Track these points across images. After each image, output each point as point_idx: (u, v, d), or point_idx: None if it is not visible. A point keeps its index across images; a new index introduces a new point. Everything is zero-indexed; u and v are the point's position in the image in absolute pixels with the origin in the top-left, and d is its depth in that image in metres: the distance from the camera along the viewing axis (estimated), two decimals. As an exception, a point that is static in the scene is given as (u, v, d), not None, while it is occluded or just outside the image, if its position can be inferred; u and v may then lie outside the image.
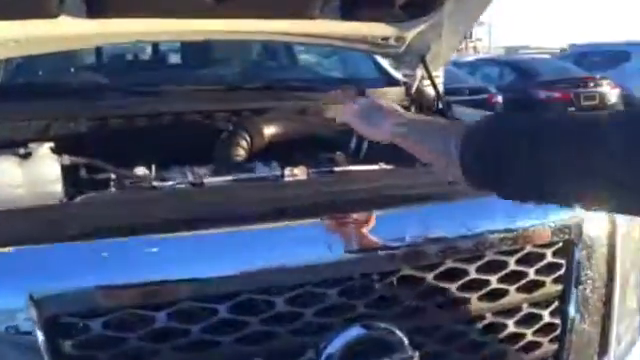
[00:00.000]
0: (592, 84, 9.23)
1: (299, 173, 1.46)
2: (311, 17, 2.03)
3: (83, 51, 2.44)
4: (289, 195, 1.35)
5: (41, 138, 1.80)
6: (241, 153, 1.86)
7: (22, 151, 1.70)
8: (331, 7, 2.04)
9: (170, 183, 1.48)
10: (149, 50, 2.62)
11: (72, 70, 2.28)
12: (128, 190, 1.53)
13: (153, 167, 1.75)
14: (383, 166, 1.67)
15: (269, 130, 1.93)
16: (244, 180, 1.49)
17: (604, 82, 9.33)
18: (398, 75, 2.61)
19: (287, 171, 1.45)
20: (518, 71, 9.69)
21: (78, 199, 1.54)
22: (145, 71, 2.35)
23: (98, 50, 2.49)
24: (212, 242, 1.20)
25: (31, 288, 1.10)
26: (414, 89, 2.49)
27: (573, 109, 9.04)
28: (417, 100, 2.38)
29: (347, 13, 2.07)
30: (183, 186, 1.48)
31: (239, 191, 1.42)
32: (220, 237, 1.19)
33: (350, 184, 1.47)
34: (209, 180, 1.47)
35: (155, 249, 1.17)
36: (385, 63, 2.67)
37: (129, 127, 1.96)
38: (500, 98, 8.52)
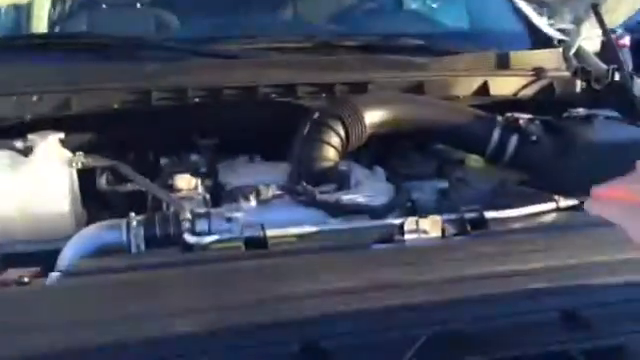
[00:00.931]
0: None
1: (429, 228, 0.83)
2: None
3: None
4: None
5: (50, 119, 1.27)
6: (330, 156, 1.25)
7: (19, 144, 1.18)
8: None
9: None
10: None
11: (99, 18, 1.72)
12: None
13: (201, 187, 1.18)
14: (560, 201, 1.01)
15: (373, 118, 1.30)
16: (334, 233, 0.87)
17: None
18: (551, 31, 1.87)
19: (408, 224, 0.83)
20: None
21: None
22: (201, 23, 1.74)
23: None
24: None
25: None
26: (573, 51, 1.74)
27: None
28: (580, 68, 1.64)
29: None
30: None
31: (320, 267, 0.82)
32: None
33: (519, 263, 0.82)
34: (273, 232, 0.86)
35: None
36: (530, 12, 1.94)
37: (177, 104, 1.40)
38: (628, 40, 7.23)
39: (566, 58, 1.71)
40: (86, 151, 1.23)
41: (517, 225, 0.89)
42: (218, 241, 0.84)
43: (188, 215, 0.92)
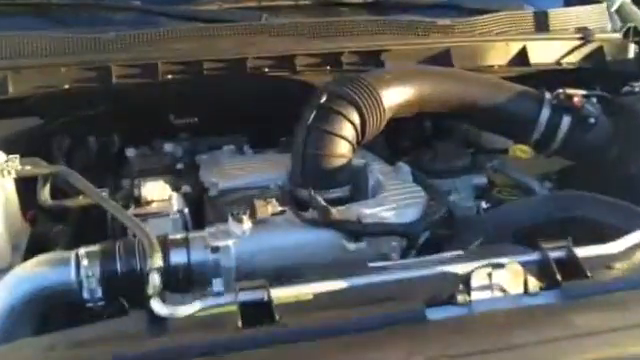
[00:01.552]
0: None
1: (508, 283, 0.56)
2: None
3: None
4: None
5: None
6: (343, 151, 0.97)
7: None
8: None
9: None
10: None
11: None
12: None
13: (176, 198, 0.91)
14: None
15: (393, 99, 1.02)
16: (366, 289, 0.60)
17: None
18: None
19: (477, 277, 0.56)
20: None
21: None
22: None
23: None
24: None
25: None
26: (617, 6, 1.46)
27: None
28: (632, 28, 1.36)
29: None
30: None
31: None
32: None
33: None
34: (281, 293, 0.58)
35: None
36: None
37: (145, 83, 1.11)
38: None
39: (610, 16, 1.44)
40: (27, 149, 0.94)
41: (619, 267, 0.64)
42: (202, 309, 0.57)
43: (157, 260, 0.65)
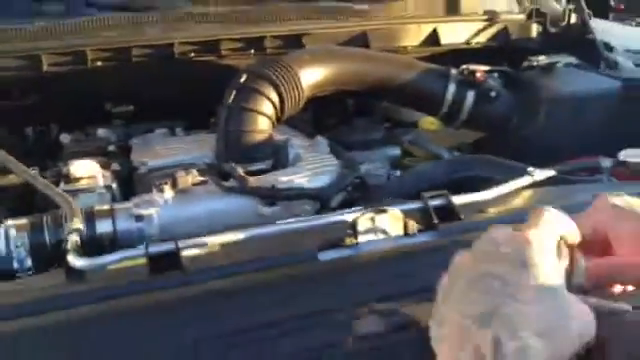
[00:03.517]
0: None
1: (389, 226, 0.65)
2: None
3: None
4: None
5: None
6: (263, 127, 1.05)
7: None
8: None
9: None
10: None
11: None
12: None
13: (105, 174, 0.97)
14: (535, 173, 0.85)
15: (311, 78, 1.10)
16: (267, 239, 0.68)
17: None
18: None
19: (362, 221, 0.64)
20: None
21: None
22: None
23: None
24: None
25: None
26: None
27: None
28: (534, 10, 1.48)
29: None
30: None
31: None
32: None
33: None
34: (187, 243, 0.66)
35: None
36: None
37: (76, 70, 1.16)
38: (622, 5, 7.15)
39: (518, 0, 1.56)
40: None
41: (493, 211, 0.74)
42: (113, 262, 0.63)
43: (76, 224, 0.71)
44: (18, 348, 0.54)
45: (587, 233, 0.47)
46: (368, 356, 0.53)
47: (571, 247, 0.44)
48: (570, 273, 0.43)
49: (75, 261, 0.63)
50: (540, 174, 0.85)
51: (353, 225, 0.67)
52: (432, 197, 0.73)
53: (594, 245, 0.47)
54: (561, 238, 0.44)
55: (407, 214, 0.70)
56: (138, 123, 1.27)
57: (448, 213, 0.72)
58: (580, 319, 0.39)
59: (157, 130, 1.23)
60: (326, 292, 0.61)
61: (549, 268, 0.40)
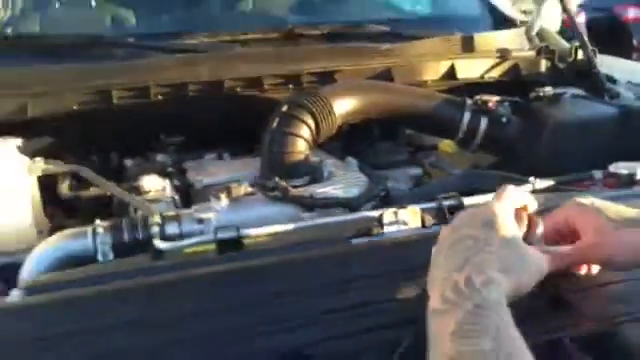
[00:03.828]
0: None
1: (409, 219, 0.81)
2: None
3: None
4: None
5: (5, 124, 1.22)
6: (301, 149, 1.22)
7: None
8: None
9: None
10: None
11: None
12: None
13: (169, 188, 1.14)
14: (536, 182, 1.00)
15: (343, 107, 1.28)
16: (310, 229, 0.85)
17: None
18: (512, 12, 1.88)
19: (387, 215, 0.81)
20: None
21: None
22: (159, 16, 1.68)
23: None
24: None
25: None
26: (535, 31, 1.75)
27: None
28: (543, 47, 1.64)
29: None
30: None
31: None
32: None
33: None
34: (247, 232, 0.83)
35: None
36: (489, -8, 1.94)
37: (139, 103, 1.35)
38: (583, 16, 7.32)
39: (529, 38, 1.72)
40: (46, 156, 1.18)
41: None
42: (190, 245, 0.80)
43: (157, 219, 0.88)
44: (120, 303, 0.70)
45: (561, 224, 0.63)
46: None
47: (529, 215, 0.61)
48: (528, 232, 0.59)
49: (159, 244, 0.79)
50: (540, 183, 0.99)
51: (379, 219, 0.83)
52: (445, 198, 0.88)
53: (566, 234, 0.64)
54: (521, 208, 0.60)
55: (424, 211, 0.86)
56: (189, 151, 1.46)
57: (459, 210, 0.87)
58: (534, 261, 0.55)
59: (207, 156, 1.42)
60: (358, 266, 0.76)
61: (509, 227, 0.56)
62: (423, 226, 0.83)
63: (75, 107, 1.32)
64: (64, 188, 1.12)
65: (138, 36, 1.48)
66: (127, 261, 0.84)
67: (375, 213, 0.84)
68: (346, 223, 0.85)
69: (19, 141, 1.15)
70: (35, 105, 1.29)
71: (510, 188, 0.60)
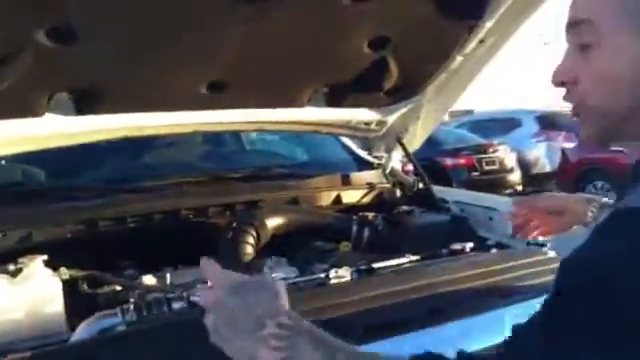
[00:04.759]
0: (492, 150, 9.84)
1: (344, 274, 1.37)
2: (300, 105, 2.01)
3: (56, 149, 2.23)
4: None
5: (23, 247, 1.60)
6: (249, 250, 1.74)
7: (11, 267, 1.49)
8: (318, 95, 2.03)
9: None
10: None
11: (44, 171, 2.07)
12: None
13: (167, 275, 1.59)
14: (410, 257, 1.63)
15: (273, 223, 1.84)
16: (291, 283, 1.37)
17: (501, 147, 9.99)
18: (370, 158, 2.63)
19: (333, 273, 1.36)
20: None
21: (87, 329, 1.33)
22: (128, 166, 2.18)
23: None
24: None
25: None
26: (388, 170, 2.49)
27: (477, 174, 9.53)
28: (396, 182, 2.38)
29: (333, 100, 2.07)
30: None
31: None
32: None
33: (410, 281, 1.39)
34: None
35: None
36: (352, 145, 2.68)
37: (118, 229, 1.79)
38: (410, 166, 8.74)
39: (384, 175, 2.46)
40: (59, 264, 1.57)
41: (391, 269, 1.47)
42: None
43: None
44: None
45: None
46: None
47: None
48: None
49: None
50: (412, 257, 1.61)
51: (327, 276, 1.38)
52: (362, 264, 1.46)
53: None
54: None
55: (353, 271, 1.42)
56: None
57: (369, 271, 1.45)
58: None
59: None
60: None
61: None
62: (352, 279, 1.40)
63: (68, 235, 1.73)
64: (84, 287, 1.51)
65: (109, 181, 1.96)
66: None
67: (322, 274, 1.39)
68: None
69: (45, 257, 1.54)
70: (38, 235, 1.69)
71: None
